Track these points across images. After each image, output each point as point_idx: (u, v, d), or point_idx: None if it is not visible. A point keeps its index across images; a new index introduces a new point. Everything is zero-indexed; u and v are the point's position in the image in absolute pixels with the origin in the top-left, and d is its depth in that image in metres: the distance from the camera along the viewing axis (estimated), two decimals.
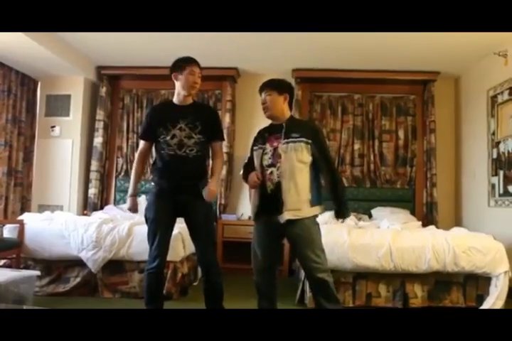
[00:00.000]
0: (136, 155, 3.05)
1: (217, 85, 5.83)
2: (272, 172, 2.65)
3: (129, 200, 2.97)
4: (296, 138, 2.64)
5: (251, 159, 2.83)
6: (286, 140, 2.64)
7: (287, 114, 2.78)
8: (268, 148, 2.69)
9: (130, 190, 2.97)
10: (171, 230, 2.90)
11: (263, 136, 2.76)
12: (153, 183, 2.95)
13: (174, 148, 2.82)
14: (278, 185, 2.61)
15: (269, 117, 2.78)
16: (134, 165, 3.03)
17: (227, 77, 5.74)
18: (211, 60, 5.40)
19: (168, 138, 2.82)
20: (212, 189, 2.78)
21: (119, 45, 5.07)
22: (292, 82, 5.71)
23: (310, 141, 2.65)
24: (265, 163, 2.68)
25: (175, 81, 2.90)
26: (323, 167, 2.70)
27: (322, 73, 5.61)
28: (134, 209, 2.95)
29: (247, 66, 5.70)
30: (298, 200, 2.60)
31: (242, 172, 2.92)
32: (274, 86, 2.75)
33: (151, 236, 2.83)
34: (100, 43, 5.01)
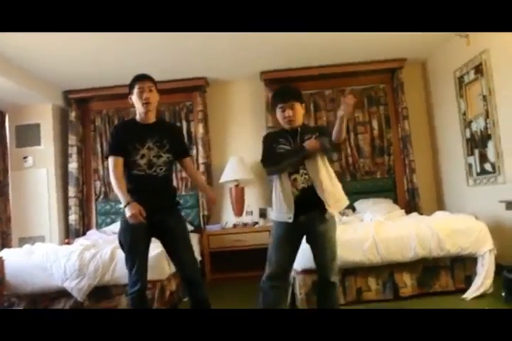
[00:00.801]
0: (111, 170, 2.80)
1: (187, 96, 5.81)
2: (295, 179, 2.70)
3: (129, 207, 2.66)
4: (309, 138, 2.71)
5: (271, 149, 2.78)
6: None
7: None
8: None
9: (124, 200, 2.70)
10: (147, 252, 2.87)
11: (287, 138, 2.76)
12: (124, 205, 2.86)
13: (144, 168, 2.80)
14: (303, 191, 2.67)
15: (291, 127, 2.77)
16: (113, 178, 2.77)
17: (196, 87, 5.72)
18: (179, 73, 5.40)
19: (137, 157, 2.79)
20: (213, 196, 2.98)
21: (84, 68, 5.05)
22: (261, 84, 5.71)
23: (317, 134, 2.72)
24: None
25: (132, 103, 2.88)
26: None
27: (290, 73, 5.59)
28: (137, 213, 2.65)
29: (215, 74, 5.68)
30: (335, 191, 2.73)
31: (265, 161, 2.81)
32: (297, 97, 2.78)
33: (129, 261, 2.81)
34: (64, 68, 4.98)
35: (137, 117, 2.90)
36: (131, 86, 2.86)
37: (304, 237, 2.83)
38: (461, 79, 4.88)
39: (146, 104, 2.81)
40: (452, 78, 5.04)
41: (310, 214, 2.69)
